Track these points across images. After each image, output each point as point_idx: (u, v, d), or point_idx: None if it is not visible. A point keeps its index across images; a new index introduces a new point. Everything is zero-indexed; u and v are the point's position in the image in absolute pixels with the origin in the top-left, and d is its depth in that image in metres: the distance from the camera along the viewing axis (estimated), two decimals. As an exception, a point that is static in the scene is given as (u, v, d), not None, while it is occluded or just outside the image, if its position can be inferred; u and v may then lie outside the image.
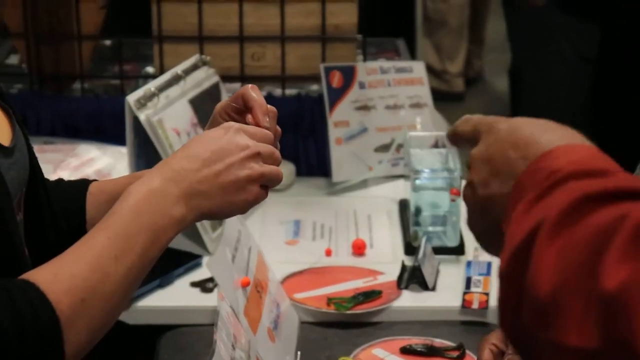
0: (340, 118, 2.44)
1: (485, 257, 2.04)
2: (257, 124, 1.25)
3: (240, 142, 1.19)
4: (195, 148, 1.18)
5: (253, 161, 1.19)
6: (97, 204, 1.38)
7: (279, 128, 1.29)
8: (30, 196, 1.25)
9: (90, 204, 1.39)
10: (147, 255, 1.13)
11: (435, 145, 2.27)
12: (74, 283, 1.06)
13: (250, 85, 1.28)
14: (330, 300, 1.92)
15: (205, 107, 2.17)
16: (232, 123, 1.23)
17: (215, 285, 1.92)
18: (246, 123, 1.25)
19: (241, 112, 1.28)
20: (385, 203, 2.37)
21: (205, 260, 2.03)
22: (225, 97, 2.27)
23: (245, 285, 1.63)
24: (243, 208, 1.21)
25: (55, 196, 1.35)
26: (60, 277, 1.06)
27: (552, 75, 3.64)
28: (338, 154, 2.42)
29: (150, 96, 2.03)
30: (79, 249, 1.10)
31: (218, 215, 1.23)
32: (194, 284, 1.97)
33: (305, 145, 2.54)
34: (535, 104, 3.67)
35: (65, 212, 1.36)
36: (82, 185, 1.42)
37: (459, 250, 2.10)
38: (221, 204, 1.18)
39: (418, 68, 2.57)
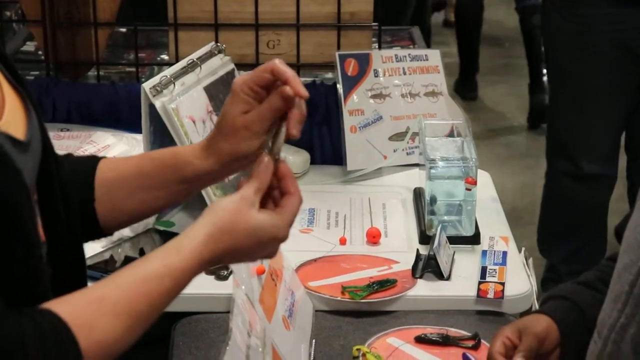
0: (355, 106, 2.43)
1: (501, 246, 2.04)
2: (298, 94, 1.26)
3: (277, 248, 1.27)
4: (244, 243, 1.22)
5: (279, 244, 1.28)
6: (106, 182, 1.38)
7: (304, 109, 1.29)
8: (43, 175, 1.24)
9: (99, 181, 1.38)
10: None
11: (451, 134, 2.27)
12: (107, 339, 1.09)
13: (276, 59, 1.28)
14: (344, 288, 1.92)
15: (220, 95, 2.17)
16: (282, 232, 1.26)
17: (231, 273, 1.92)
18: (271, 96, 1.27)
19: (268, 86, 1.28)
20: (400, 192, 2.37)
21: (220, 247, 2.03)
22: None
23: (260, 273, 1.63)
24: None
25: (63, 171, 1.34)
26: (96, 330, 1.08)
27: None
28: (353, 142, 2.42)
29: (166, 83, 2.03)
30: (117, 297, 1.11)
31: None
32: (209, 271, 1.97)
33: (319, 133, 2.53)
34: None
35: (72, 188, 1.35)
36: (92, 162, 1.41)
37: (474, 239, 2.09)
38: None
39: (433, 56, 2.56)
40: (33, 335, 1.03)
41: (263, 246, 1.24)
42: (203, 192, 2.03)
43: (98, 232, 1.41)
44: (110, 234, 1.43)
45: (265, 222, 1.23)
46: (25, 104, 1.22)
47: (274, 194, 1.28)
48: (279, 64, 1.28)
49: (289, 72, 1.27)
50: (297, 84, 1.27)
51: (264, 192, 1.25)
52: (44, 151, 1.24)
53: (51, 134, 2.25)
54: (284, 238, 1.26)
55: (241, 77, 1.32)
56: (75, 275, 1.28)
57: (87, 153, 2.24)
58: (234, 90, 1.31)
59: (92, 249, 1.92)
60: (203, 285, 1.93)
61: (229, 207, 1.21)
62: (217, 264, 1.22)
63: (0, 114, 1.14)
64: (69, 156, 1.43)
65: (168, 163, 1.36)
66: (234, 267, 1.50)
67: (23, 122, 1.18)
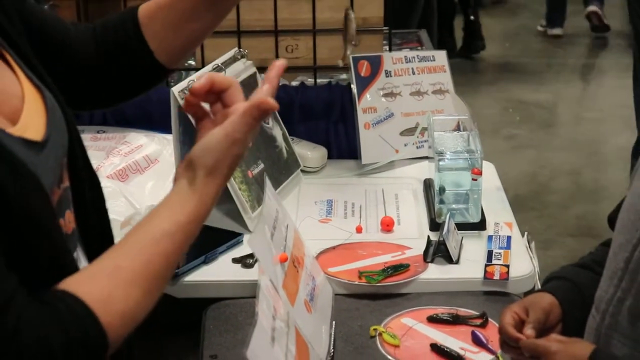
0: (368, 104, 2.43)
1: (505, 232, 2.03)
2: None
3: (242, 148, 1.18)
4: (216, 157, 1.16)
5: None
6: (153, 34, 1.43)
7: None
8: (72, 161, 1.24)
9: (147, 36, 1.43)
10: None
11: (457, 129, 2.26)
12: (128, 307, 1.07)
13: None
14: (361, 273, 1.91)
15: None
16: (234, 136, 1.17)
17: (256, 261, 1.92)
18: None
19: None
20: (411, 183, 2.36)
21: (245, 238, 2.03)
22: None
23: (283, 260, 1.63)
24: None
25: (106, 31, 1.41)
26: (115, 302, 1.06)
27: None
28: (367, 138, 2.42)
29: (193, 87, 2.03)
30: (133, 264, 1.09)
31: None
32: (236, 260, 1.97)
33: (336, 130, 2.53)
34: None
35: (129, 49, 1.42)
36: (130, 15, 1.45)
37: (481, 225, 2.09)
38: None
39: (440, 56, 2.56)
40: (52, 321, 1.01)
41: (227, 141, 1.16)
42: (229, 185, 2.02)
43: (166, 72, 1.47)
44: (176, 67, 1.51)
45: (219, 129, 1.17)
46: (45, 99, 1.20)
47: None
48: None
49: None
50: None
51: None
52: (70, 139, 1.23)
53: (88, 136, 2.28)
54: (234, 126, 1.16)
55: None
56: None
57: (121, 153, 2.24)
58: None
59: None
60: (231, 273, 1.94)
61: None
62: (216, 193, 1.17)
63: (17, 117, 1.13)
64: (106, 20, 1.47)
65: None
66: (259, 256, 1.49)
67: (43, 120, 1.17)
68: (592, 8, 7.27)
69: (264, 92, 1.17)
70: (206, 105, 1.21)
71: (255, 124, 1.16)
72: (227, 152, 1.15)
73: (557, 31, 7.29)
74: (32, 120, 1.15)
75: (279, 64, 1.21)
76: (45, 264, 1.07)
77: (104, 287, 1.06)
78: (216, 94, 1.20)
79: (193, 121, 1.24)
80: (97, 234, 1.28)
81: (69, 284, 1.06)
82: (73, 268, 1.14)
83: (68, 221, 1.20)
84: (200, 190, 1.14)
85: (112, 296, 1.06)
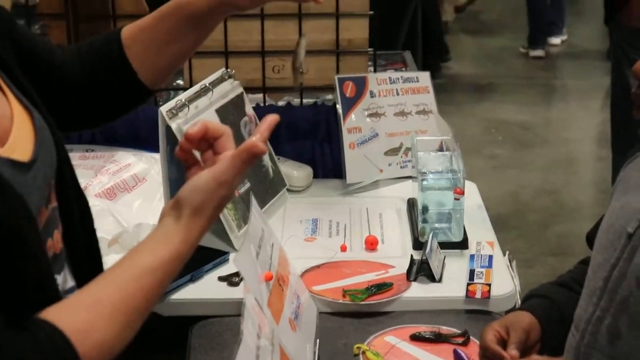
0: (353, 124, 2.43)
1: (487, 251, 2.03)
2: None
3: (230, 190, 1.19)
4: (202, 198, 1.16)
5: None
6: (137, 57, 1.44)
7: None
8: (60, 181, 1.24)
9: (131, 57, 1.44)
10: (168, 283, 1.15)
11: (440, 149, 2.26)
12: (106, 339, 1.06)
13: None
14: (345, 292, 1.91)
15: (230, 116, 2.17)
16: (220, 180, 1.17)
17: (241, 279, 1.91)
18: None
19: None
20: (395, 202, 2.36)
21: (231, 256, 2.03)
22: (248, 106, 2.27)
23: (268, 279, 1.62)
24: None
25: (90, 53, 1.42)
26: (94, 334, 1.05)
27: None
28: (351, 158, 2.42)
29: (181, 106, 2.03)
30: (113, 297, 1.08)
31: None
32: (222, 278, 1.97)
33: (321, 149, 2.53)
34: None
35: (112, 71, 1.43)
36: (113, 36, 1.46)
37: (463, 244, 2.09)
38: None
39: (424, 78, 2.56)
40: (32, 349, 1.00)
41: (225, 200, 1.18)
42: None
43: (149, 92, 1.48)
44: (158, 89, 1.53)
45: (207, 171, 1.17)
46: (33, 120, 1.20)
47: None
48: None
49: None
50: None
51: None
52: (59, 160, 1.23)
53: (77, 155, 2.27)
54: (223, 170, 1.17)
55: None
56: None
57: (110, 172, 2.24)
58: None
59: (114, 259, 1.91)
60: (217, 291, 1.93)
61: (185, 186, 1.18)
62: (200, 233, 1.17)
63: (6, 138, 1.13)
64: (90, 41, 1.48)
65: (175, 13, 1.42)
66: (244, 274, 1.49)
67: (31, 140, 1.17)
68: (537, 53, 7.36)
69: (255, 138, 1.17)
70: (197, 154, 1.22)
71: (244, 167, 1.16)
72: (214, 193, 1.15)
73: (538, 52, 7.34)
74: (20, 141, 1.14)
75: (271, 119, 1.21)
76: (31, 286, 1.06)
77: (83, 319, 1.05)
78: (209, 141, 1.20)
79: (184, 167, 1.24)
80: (85, 254, 1.27)
81: (50, 314, 1.05)
82: (54, 290, 1.13)
83: (56, 241, 1.19)
84: (185, 229, 1.14)
85: (91, 328, 1.05)
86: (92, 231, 1.33)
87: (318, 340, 1.76)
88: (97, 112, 1.48)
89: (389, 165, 2.46)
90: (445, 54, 6.79)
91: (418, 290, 1.93)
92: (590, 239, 1.58)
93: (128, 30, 1.45)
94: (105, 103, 1.47)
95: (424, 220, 2.11)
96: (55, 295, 1.12)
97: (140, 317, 1.11)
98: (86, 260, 1.26)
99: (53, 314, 1.05)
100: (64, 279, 1.20)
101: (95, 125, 1.55)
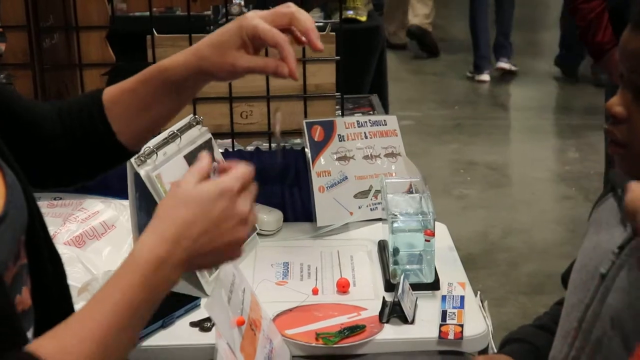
0: (323, 168, 2.44)
1: (458, 291, 2.04)
2: (313, 46, 1.30)
3: (234, 211, 1.20)
4: (192, 211, 1.17)
5: (242, 225, 1.20)
6: (116, 118, 1.43)
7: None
8: (31, 239, 1.23)
9: (111, 118, 1.43)
10: (147, 317, 1.14)
11: (410, 191, 2.27)
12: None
13: (293, 7, 1.29)
14: (318, 335, 1.90)
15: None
16: (228, 186, 1.21)
17: (213, 325, 1.90)
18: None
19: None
20: (366, 244, 2.36)
21: (203, 301, 2.02)
22: (217, 152, 2.27)
23: (240, 324, 1.62)
24: (229, 261, 1.24)
25: (71, 114, 1.41)
26: (66, 356, 1.05)
27: None
28: (321, 201, 2.42)
29: (149, 153, 2.02)
30: (86, 322, 1.08)
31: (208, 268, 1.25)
32: (194, 324, 1.96)
33: (291, 193, 2.53)
34: None
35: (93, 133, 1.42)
36: (95, 97, 1.45)
37: (435, 285, 2.09)
38: (213, 263, 1.23)
39: (391, 121, 2.58)
40: None
41: (222, 219, 1.18)
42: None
43: (128, 154, 1.49)
44: (139, 150, 1.52)
45: (208, 184, 1.20)
46: (4, 176, 1.20)
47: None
48: (297, 14, 1.30)
49: (308, 24, 1.29)
50: (314, 38, 1.29)
51: (202, 174, 1.22)
52: (30, 216, 1.22)
53: (44, 203, 2.25)
54: (231, 191, 1.21)
55: (256, 15, 1.32)
56: None
57: (78, 219, 2.22)
58: (243, 25, 1.32)
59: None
60: (189, 337, 1.92)
61: (165, 198, 1.19)
62: (181, 254, 1.15)
63: None
64: (70, 101, 1.48)
65: (155, 78, 1.41)
66: (216, 320, 1.48)
67: (2, 197, 1.16)
68: (502, 65, 7.70)
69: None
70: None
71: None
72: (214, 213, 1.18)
73: (484, 77, 7.63)
74: None
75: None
76: (1, 345, 1.05)
77: (57, 343, 1.06)
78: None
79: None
80: (57, 310, 1.26)
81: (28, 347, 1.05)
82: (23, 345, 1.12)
83: (25, 298, 1.18)
84: (168, 255, 1.15)
85: (64, 352, 1.05)
86: (66, 288, 1.32)
87: (291, 384, 1.75)
88: (74, 171, 1.48)
89: (359, 207, 2.47)
90: None
91: (391, 332, 1.93)
92: (565, 279, 1.58)
93: (109, 92, 1.45)
94: (83, 163, 1.47)
95: (395, 262, 2.11)
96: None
97: (123, 349, 1.12)
98: (60, 317, 1.25)
99: (30, 346, 1.05)
100: (29, 338, 1.19)
101: (71, 184, 1.53)
